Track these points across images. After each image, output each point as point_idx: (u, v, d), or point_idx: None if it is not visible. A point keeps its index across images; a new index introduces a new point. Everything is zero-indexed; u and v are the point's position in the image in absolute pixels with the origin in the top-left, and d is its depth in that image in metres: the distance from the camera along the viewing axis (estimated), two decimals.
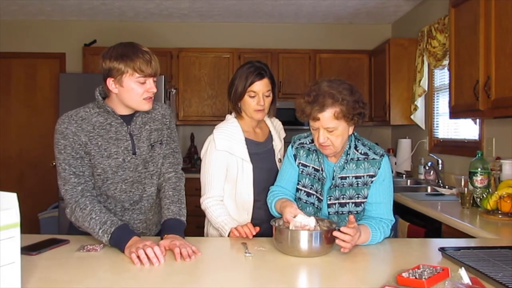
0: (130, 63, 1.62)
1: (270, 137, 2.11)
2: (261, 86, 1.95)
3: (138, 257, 1.45)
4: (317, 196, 1.81)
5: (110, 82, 1.67)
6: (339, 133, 1.67)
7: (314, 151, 1.83)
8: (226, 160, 1.97)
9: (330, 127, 1.65)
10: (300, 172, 1.85)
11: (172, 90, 4.41)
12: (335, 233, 1.52)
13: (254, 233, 1.80)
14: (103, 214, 1.62)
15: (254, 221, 1.93)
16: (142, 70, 1.63)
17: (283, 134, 2.20)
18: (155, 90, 1.69)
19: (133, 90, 1.66)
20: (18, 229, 1.13)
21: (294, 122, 4.42)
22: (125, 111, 1.74)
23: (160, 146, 1.83)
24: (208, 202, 1.96)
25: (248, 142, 2.01)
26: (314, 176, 1.82)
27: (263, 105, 1.95)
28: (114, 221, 1.61)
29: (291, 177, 1.88)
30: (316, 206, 1.81)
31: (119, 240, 1.56)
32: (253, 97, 1.95)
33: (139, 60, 1.62)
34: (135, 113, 1.77)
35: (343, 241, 1.52)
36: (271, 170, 2.03)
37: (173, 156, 1.89)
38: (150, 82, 1.68)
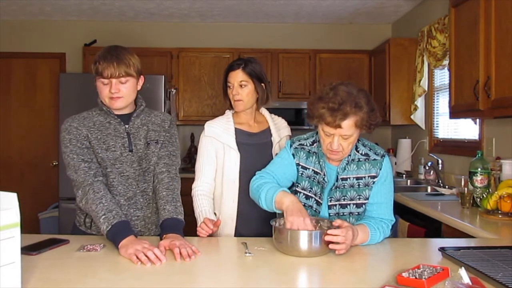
0: (94, 65, 1.75)
1: (268, 132, 2.14)
2: (234, 77, 2.04)
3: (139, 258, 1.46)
4: (316, 199, 1.79)
5: (95, 82, 1.79)
6: (352, 140, 1.66)
7: (314, 154, 1.80)
8: (213, 146, 2.07)
9: (347, 135, 1.62)
10: (300, 174, 1.82)
11: (172, 90, 4.41)
12: (327, 238, 1.51)
13: (213, 227, 1.85)
14: (112, 203, 1.67)
15: (241, 217, 2.03)
16: (98, 71, 1.73)
17: (285, 133, 2.18)
18: (114, 91, 1.74)
19: (99, 89, 1.78)
20: (18, 229, 1.14)
21: (294, 122, 4.49)
22: (121, 111, 1.83)
23: (155, 145, 1.87)
24: (197, 191, 2.06)
25: (239, 132, 2.08)
26: (314, 179, 1.79)
27: (237, 95, 2.04)
28: (119, 214, 1.64)
29: (287, 169, 1.82)
30: (314, 209, 1.79)
31: (116, 234, 1.58)
32: (230, 88, 2.06)
33: (100, 62, 1.72)
34: (132, 113, 1.85)
35: (337, 243, 1.51)
36: (265, 164, 2.02)
37: (169, 158, 1.90)
38: (113, 83, 1.73)
